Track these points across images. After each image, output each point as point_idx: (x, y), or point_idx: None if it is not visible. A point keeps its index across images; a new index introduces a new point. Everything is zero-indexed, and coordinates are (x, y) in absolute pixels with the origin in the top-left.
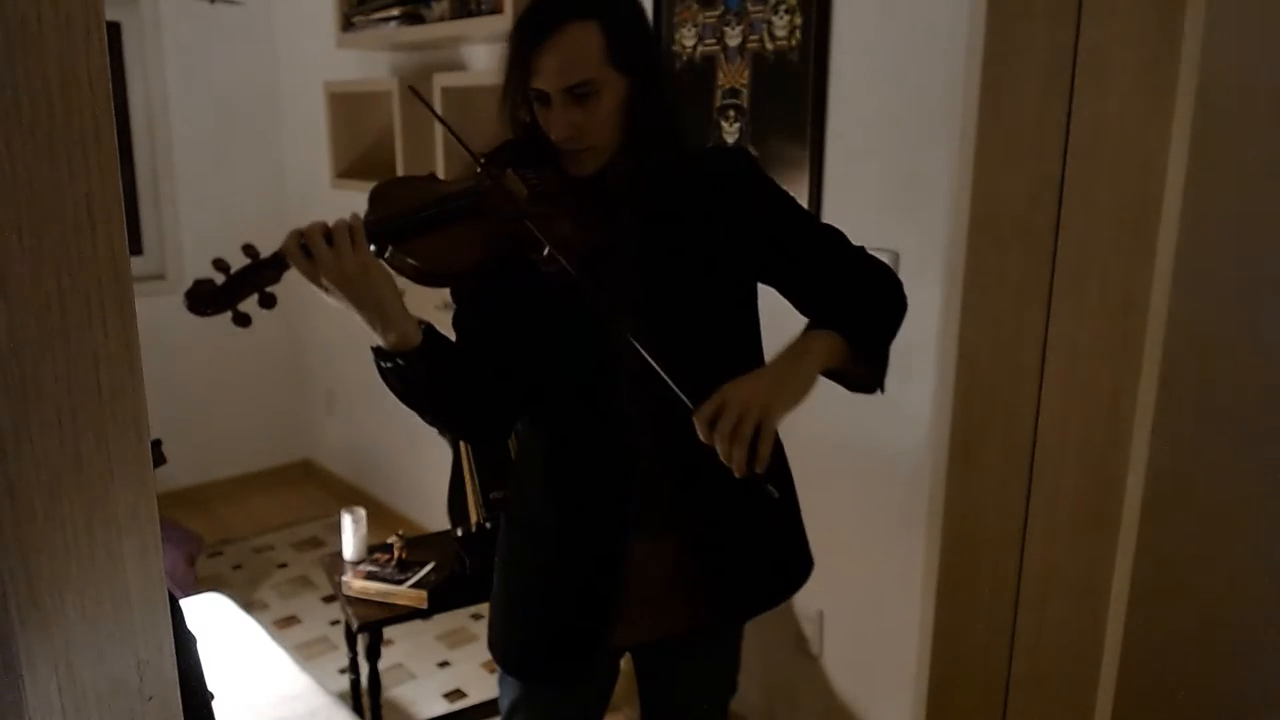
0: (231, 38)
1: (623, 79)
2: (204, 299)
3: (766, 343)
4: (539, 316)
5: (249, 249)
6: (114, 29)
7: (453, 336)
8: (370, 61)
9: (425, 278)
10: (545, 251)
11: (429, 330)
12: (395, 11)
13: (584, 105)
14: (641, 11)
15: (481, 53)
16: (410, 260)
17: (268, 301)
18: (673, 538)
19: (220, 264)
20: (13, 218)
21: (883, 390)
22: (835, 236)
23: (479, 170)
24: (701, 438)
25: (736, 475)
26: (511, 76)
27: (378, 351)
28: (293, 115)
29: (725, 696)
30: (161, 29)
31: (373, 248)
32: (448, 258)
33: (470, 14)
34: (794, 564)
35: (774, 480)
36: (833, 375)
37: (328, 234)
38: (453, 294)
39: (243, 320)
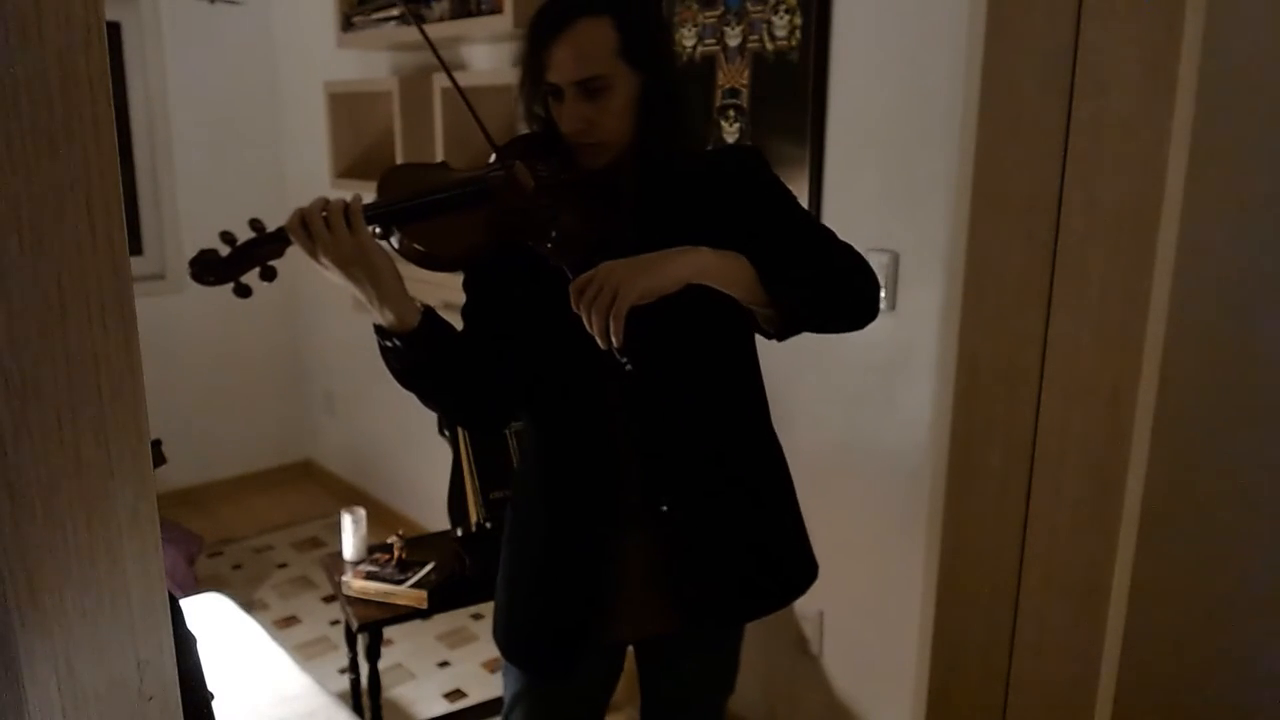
0: (231, 38)
1: (635, 75)
2: (208, 268)
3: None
4: (539, 306)
5: (255, 223)
6: (114, 29)
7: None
8: (370, 61)
9: (428, 261)
10: (549, 243)
11: (428, 313)
12: (395, 11)
13: (595, 100)
14: (656, 8)
15: (481, 53)
16: (414, 245)
17: (269, 275)
18: (655, 536)
19: (227, 236)
20: (13, 218)
21: (780, 340)
22: (825, 235)
23: (491, 159)
24: (572, 306)
25: (600, 346)
26: (526, 70)
27: (378, 329)
28: (293, 115)
29: (722, 696)
30: (161, 29)
31: (377, 230)
32: (450, 243)
33: (470, 14)
34: (789, 569)
35: (768, 480)
36: (751, 316)
37: (326, 213)
38: (464, 285)
39: (244, 291)
